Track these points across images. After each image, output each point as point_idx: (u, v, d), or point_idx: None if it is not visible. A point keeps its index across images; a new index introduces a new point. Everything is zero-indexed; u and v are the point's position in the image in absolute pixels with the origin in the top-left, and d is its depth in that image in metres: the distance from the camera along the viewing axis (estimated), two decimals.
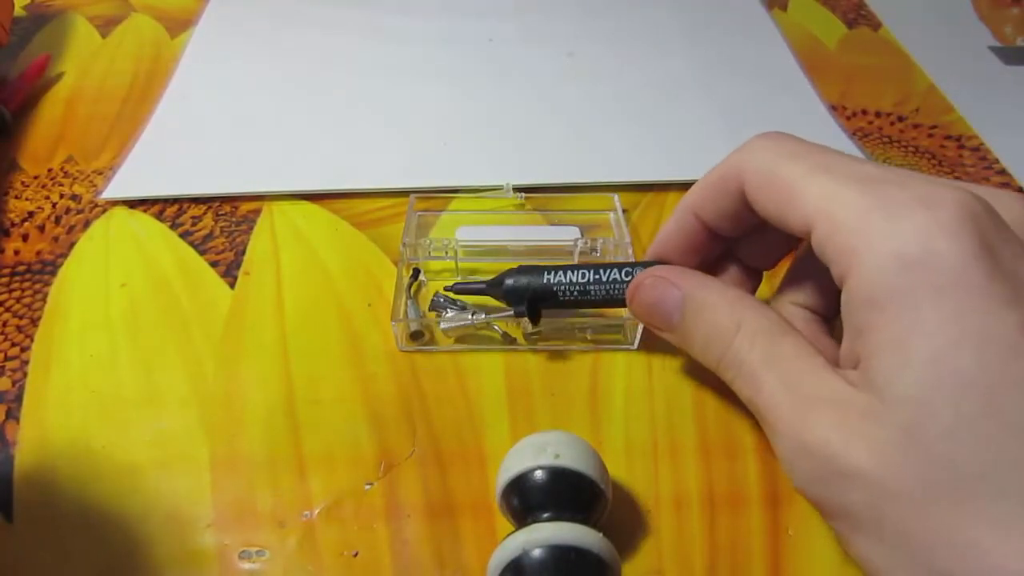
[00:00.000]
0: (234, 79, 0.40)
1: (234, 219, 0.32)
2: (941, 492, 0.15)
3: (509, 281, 0.25)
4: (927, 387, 0.15)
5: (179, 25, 0.44)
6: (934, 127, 0.38)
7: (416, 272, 0.29)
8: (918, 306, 0.15)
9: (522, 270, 0.25)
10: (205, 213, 0.32)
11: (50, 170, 0.34)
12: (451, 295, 0.27)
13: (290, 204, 0.32)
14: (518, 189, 0.32)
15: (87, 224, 0.31)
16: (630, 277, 0.24)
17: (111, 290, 0.29)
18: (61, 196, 0.33)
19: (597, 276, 0.24)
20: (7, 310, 0.28)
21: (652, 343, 0.27)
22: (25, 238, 0.31)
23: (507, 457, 0.21)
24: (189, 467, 0.23)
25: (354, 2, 0.46)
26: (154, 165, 0.34)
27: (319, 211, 0.32)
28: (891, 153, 0.36)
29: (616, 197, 0.31)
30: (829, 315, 0.22)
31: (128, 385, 0.26)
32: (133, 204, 0.32)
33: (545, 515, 0.19)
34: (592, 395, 0.25)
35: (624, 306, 0.24)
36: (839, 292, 0.20)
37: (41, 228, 0.31)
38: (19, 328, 0.27)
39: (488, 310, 0.27)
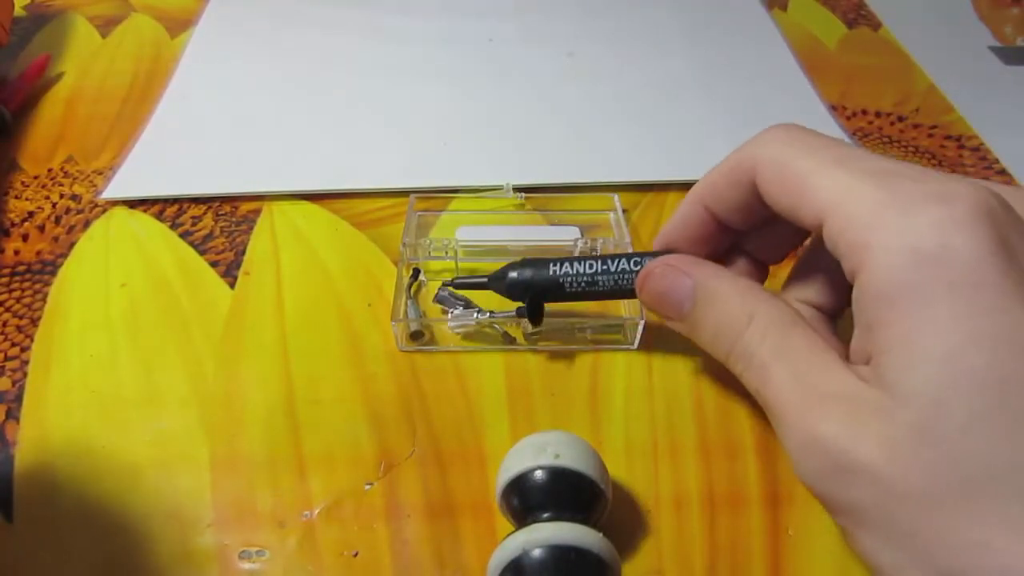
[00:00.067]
0: (234, 79, 0.40)
1: (234, 219, 0.32)
2: (952, 490, 0.15)
3: (512, 274, 0.25)
4: (940, 384, 0.15)
5: (179, 25, 0.44)
6: (934, 127, 0.38)
7: (416, 272, 0.29)
8: (932, 302, 0.15)
9: (526, 263, 0.25)
10: (205, 213, 0.32)
11: (50, 170, 0.34)
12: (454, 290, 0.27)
13: (290, 204, 0.32)
14: (518, 189, 0.32)
15: (87, 224, 0.31)
16: (639, 267, 0.23)
17: (111, 290, 0.29)
18: (61, 196, 0.33)
19: (605, 266, 0.24)
20: (7, 310, 0.28)
21: (652, 343, 0.27)
22: (25, 238, 0.31)
23: (507, 457, 0.21)
24: (189, 467, 0.23)
25: (354, 2, 0.46)
26: (154, 165, 0.34)
27: (319, 211, 0.32)
28: (891, 153, 0.36)
29: (616, 197, 0.31)
30: (834, 313, 0.22)
31: (128, 385, 0.26)
32: (133, 204, 0.32)
33: (545, 515, 0.19)
34: (592, 395, 0.25)
35: (632, 296, 0.24)
36: (846, 289, 0.20)
37: (41, 228, 0.31)
38: (19, 328, 0.27)
39: (491, 312, 0.27)
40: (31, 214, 0.32)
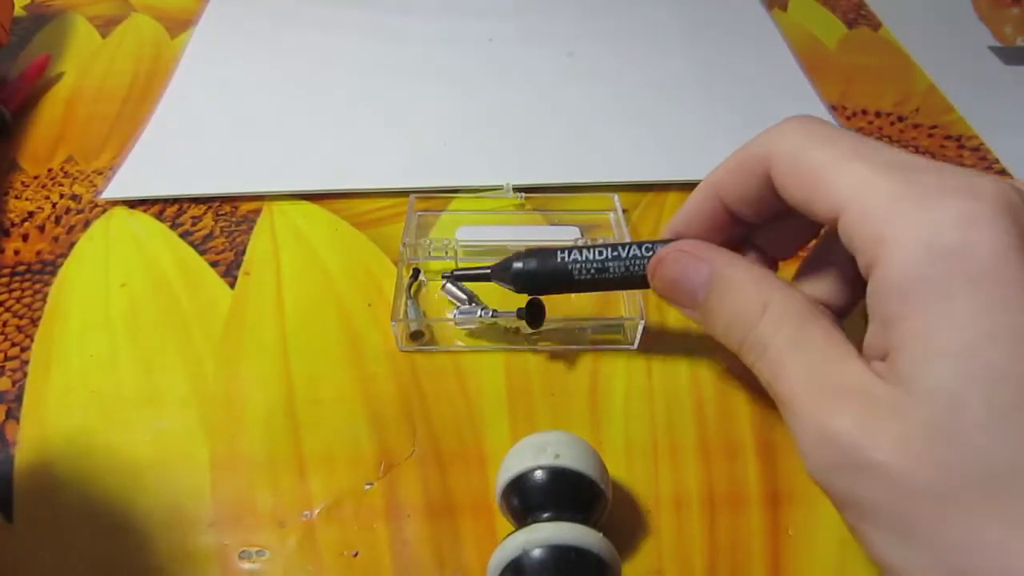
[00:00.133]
0: (234, 79, 0.40)
1: (234, 219, 0.32)
2: (968, 489, 0.14)
3: (518, 264, 0.24)
4: (958, 380, 0.14)
5: (179, 25, 0.44)
6: (934, 127, 0.38)
7: (416, 272, 0.29)
8: (951, 297, 0.15)
9: (531, 253, 0.24)
10: (205, 213, 0.32)
11: (50, 170, 0.34)
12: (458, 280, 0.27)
13: (290, 204, 0.32)
14: (518, 189, 0.32)
15: (87, 224, 0.31)
16: (651, 253, 0.22)
17: (111, 290, 0.29)
18: (61, 196, 0.33)
19: (616, 253, 0.23)
20: (7, 310, 0.28)
21: (652, 343, 0.27)
22: (25, 238, 0.31)
23: (507, 457, 0.21)
24: (189, 467, 0.23)
25: (354, 2, 0.46)
26: (154, 165, 0.34)
27: (319, 211, 0.32)
28: None
29: (616, 197, 0.31)
30: (842, 311, 0.21)
31: (128, 385, 0.26)
32: (133, 204, 0.32)
33: (545, 515, 0.19)
34: (592, 395, 0.25)
35: (643, 286, 0.23)
36: (856, 286, 0.19)
37: (41, 228, 0.31)
38: (19, 328, 0.27)
39: (495, 312, 0.27)
40: (31, 214, 0.32)
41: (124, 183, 0.33)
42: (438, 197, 0.32)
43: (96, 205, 0.32)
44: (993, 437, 0.14)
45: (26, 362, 0.26)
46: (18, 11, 0.44)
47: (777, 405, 0.18)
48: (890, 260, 0.16)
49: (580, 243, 0.29)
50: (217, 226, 0.31)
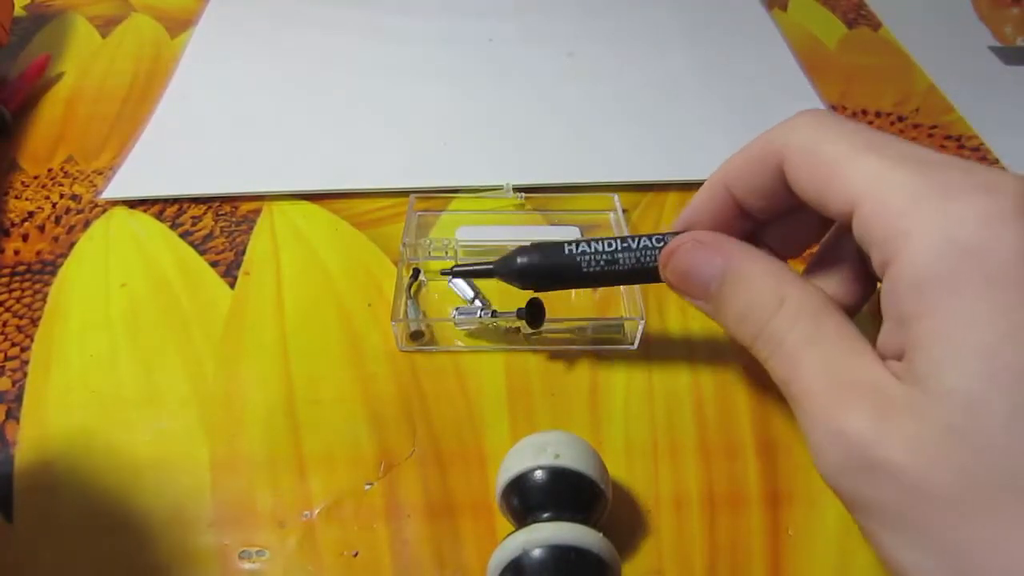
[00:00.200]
0: (234, 79, 0.40)
1: (234, 219, 0.32)
2: (985, 493, 0.14)
3: (522, 259, 0.23)
4: (978, 381, 0.14)
5: (179, 25, 0.44)
6: (934, 127, 0.38)
7: (416, 272, 0.29)
8: (971, 295, 0.14)
9: (536, 246, 0.23)
10: (205, 213, 0.32)
11: (50, 170, 0.34)
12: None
13: (290, 204, 0.32)
14: (518, 189, 0.32)
15: (87, 224, 0.31)
16: (662, 244, 0.22)
17: (111, 290, 0.29)
18: (61, 196, 0.33)
19: (626, 244, 0.22)
20: (7, 310, 0.28)
21: (652, 343, 0.27)
22: (25, 238, 0.31)
23: (507, 457, 0.21)
24: (189, 467, 0.23)
25: (354, 2, 0.46)
26: (154, 165, 0.34)
27: (319, 211, 0.32)
28: None
29: (616, 197, 0.31)
30: (850, 310, 0.21)
31: (128, 385, 0.26)
32: (133, 204, 0.32)
33: (545, 515, 0.19)
34: (592, 395, 0.25)
35: (654, 279, 0.22)
36: (866, 285, 0.19)
37: (41, 228, 0.31)
38: (19, 328, 0.27)
39: (495, 312, 0.27)
40: (31, 214, 0.32)
41: (124, 183, 0.33)
42: (438, 197, 0.32)
43: (96, 205, 0.32)
44: (1014, 440, 0.14)
45: (26, 362, 0.26)
46: (18, 11, 0.44)
47: (789, 402, 0.18)
48: (907, 256, 0.15)
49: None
50: (217, 226, 0.31)
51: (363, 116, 0.37)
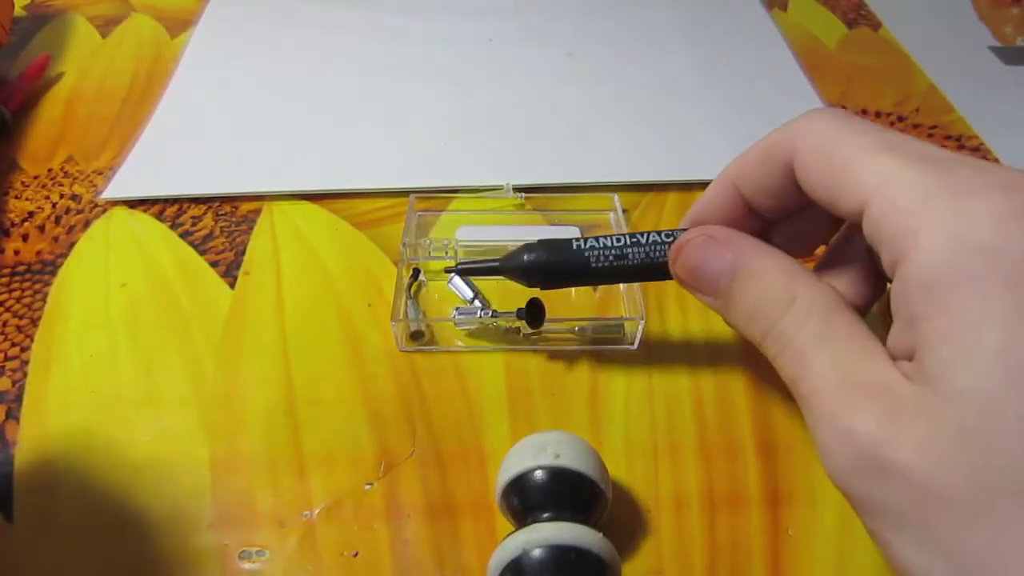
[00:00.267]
0: (234, 79, 0.40)
1: (234, 219, 0.32)
2: (997, 497, 0.13)
3: (529, 256, 0.23)
4: (993, 382, 0.14)
5: (179, 25, 0.44)
6: (934, 127, 0.38)
7: (416, 272, 0.29)
8: (983, 296, 0.14)
9: (543, 243, 0.23)
10: (205, 213, 0.32)
11: (50, 170, 0.34)
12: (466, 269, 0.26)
13: (290, 204, 0.32)
14: (518, 189, 0.32)
15: (87, 224, 0.31)
16: (672, 239, 0.22)
17: (111, 290, 0.29)
18: (61, 196, 0.33)
19: (635, 240, 0.22)
20: (7, 310, 0.28)
21: (652, 343, 0.27)
22: (25, 238, 0.31)
23: (507, 457, 0.21)
24: (189, 467, 0.23)
25: (354, 2, 0.46)
26: (154, 165, 0.34)
27: (319, 211, 0.32)
28: None
29: (616, 197, 0.31)
30: (860, 311, 0.21)
31: (128, 385, 0.26)
32: (133, 204, 0.32)
33: (545, 515, 0.19)
34: (592, 395, 0.25)
35: (663, 276, 0.22)
36: (875, 286, 0.18)
37: (41, 228, 0.31)
38: (19, 328, 0.27)
39: (495, 312, 0.27)
40: (31, 214, 0.32)
41: (124, 183, 0.33)
42: (438, 197, 0.32)
43: (96, 205, 0.32)
44: None
45: (26, 362, 0.26)
46: (18, 11, 0.44)
47: (797, 400, 0.18)
48: (918, 255, 0.15)
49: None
50: (217, 226, 0.31)
51: (363, 116, 0.37)
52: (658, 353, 0.27)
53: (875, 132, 0.17)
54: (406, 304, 0.27)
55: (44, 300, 0.28)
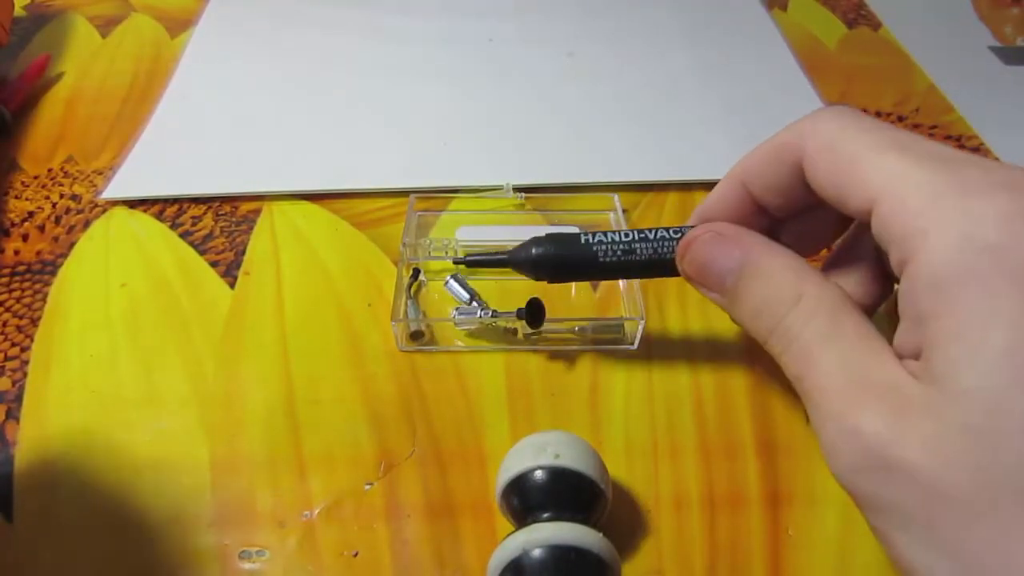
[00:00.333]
0: (234, 79, 0.40)
1: (234, 219, 0.32)
2: (1004, 497, 0.13)
3: (537, 250, 0.23)
4: (999, 381, 0.14)
5: (179, 25, 0.44)
6: (934, 127, 0.38)
7: (416, 272, 0.29)
8: (991, 295, 0.14)
9: (551, 236, 0.23)
10: (205, 213, 0.32)
11: (50, 170, 0.34)
12: (462, 274, 0.27)
13: (290, 204, 0.32)
14: (518, 189, 0.32)
15: (87, 224, 0.31)
16: (680, 235, 0.22)
17: (111, 290, 0.29)
18: (61, 196, 0.33)
19: (643, 235, 0.22)
20: (7, 310, 0.28)
21: (652, 343, 0.27)
22: (25, 238, 0.31)
23: (507, 457, 0.21)
24: (189, 467, 0.23)
25: (354, 2, 0.46)
26: (154, 165, 0.34)
27: (319, 211, 0.32)
28: None
29: (616, 197, 0.31)
30: (866, 311, 0.21)
31: (128, 385, 0.26)
32: (133, 204, 0.32)
33: (545, 515, 0.19)
34: (592, 395, 0.25)
35: (670, 272, 0.22)
36: (882, 285, 0.18)
37: (41, 228, 0.31)
38: (19, 328, 0.27)
39: (495, 312, 0.27)
40: (31, 214, 0.32)
41: (124, 183, 0.33)
42: (438, 197, 0.32)
43: (96, 205, 0.32)
44: None
45: (26, 362, 0.26)
46: (18, 11, 0.44)
47: (802, 399, 0.18)
48: (926, 254, 0.15)
49: None
50: (217, 226, 0.31)
51: (363, 116, 0.37)
52: (658, 353, 0.27)
53: (883, 131, 0.17)
54: (406, 304, 0.27)
55: (44, 300, 0.28)
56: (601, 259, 0.22)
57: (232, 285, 0.29)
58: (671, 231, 0.22)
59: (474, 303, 0.27)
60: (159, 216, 0.32)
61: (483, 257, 0.25)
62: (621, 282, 0.28)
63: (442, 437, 0.24)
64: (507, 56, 0.42)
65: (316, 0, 0.46)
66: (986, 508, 0.14)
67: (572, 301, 0.28)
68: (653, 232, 0.22)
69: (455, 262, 0.25)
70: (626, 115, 0.37)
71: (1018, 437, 0.13)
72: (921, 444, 0.14)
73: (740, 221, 0.21)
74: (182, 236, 0.31)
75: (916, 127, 0.38)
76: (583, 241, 0.22)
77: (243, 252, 0.30)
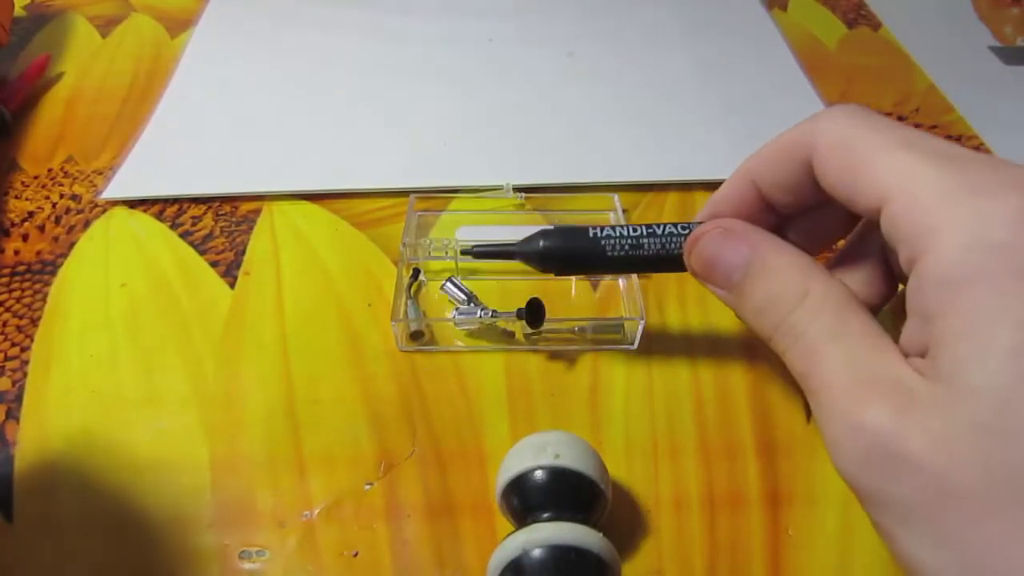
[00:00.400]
0: (234, 79, 0.40)
1: (234, 219, 0.32)
2: (1012, 494, 0.13)
3: (545, 242, 0.23)
4: (1008, 379, 0.14)
5: (179, 25, 0.44)
6: (934, 127, 0.38)
7: (416, 272, 0.29)
8: (999, 294, 0.14)
9: (558, 229, 0.23)
10: (205, 213, 0.32)
11: (50, 170, 0.34)
12: (461, 280, 0.27)
13: (290, 204, 0.32)
14: (518, 189, 0.32)
15: (87, 224, 0.31)
16: (687, 231, 0.22)
17: (111, 290, 0.29)
18: (61, 196, 0.33)
19: (651, 230, 0.22)
20: (7, 310, 0.28)
21: (652, 343, 0.27)
22: (25, 238, 0.31)
23: (507, 457, 0.21)
24: (189, 467, 0.23)
25: (354, 2, 0.46)
26: (154, 165, 0.34)
27: (319, 211, 0.32)
28: None
29: (616, 197, 0.31)
30: (872, 309, 0.20)
31: (128, 385, 0.26)
32: (133, 204, 0.32)
33: (545, 515, 0.19)
34: (592, 395, 0.25)
35: (678, 267, 0.22)
36: (889, 283, 0.18)
37: (41, 228, 0.31)
38: (19, 328, 0.27)
39: (495, 312, 0.27)
40: (31, 214, 0.32)
41: (124, 183, 0.33)
42: (438, 197, 0.32)
43: (96, 205, 0.32)
44: None
45: (26, 362, 0.26)
46: (18, 11, 0.44)
47: (807, 396, 0.17)
48: (936, 253, 0.15)
49: None
50: (217, 226, 0.31)
51: (363, 116, 0.37)
52: (658, 353, 0.27)
53: (893, 129, 0.18)
54: (406, 304, 0.27)
55: (44, 300, 0.28)
56: (609, 253, 0.22)
57: (232, 285, 0.29)
58: (679, 227, 0.22)
59: (473, 303, 0.27)
60: (159, 216, 0.32)
61: (491, 248, 0.25)
62: (621, 282, 0.28)
63: (442, 437, 0.24)
64: (507, 56, 0.42)
65: (316, 0, 0.46)
66: (993, 506, 0.14)
67: (572, 301, 0.28)
68: (661, 227, 0.22)
69: (463, 252, 0.25)
70: (626, 115, 0.37)
71: (1021, 433, 0.13)
72: (928, 440, 0.14)
73: (748, 218, 0.21)
74: (182, 236, 0.31)
75: (916, 127, 0.37)
76: (591, 235, 0.22)
77: (243, 252, 0.30)
